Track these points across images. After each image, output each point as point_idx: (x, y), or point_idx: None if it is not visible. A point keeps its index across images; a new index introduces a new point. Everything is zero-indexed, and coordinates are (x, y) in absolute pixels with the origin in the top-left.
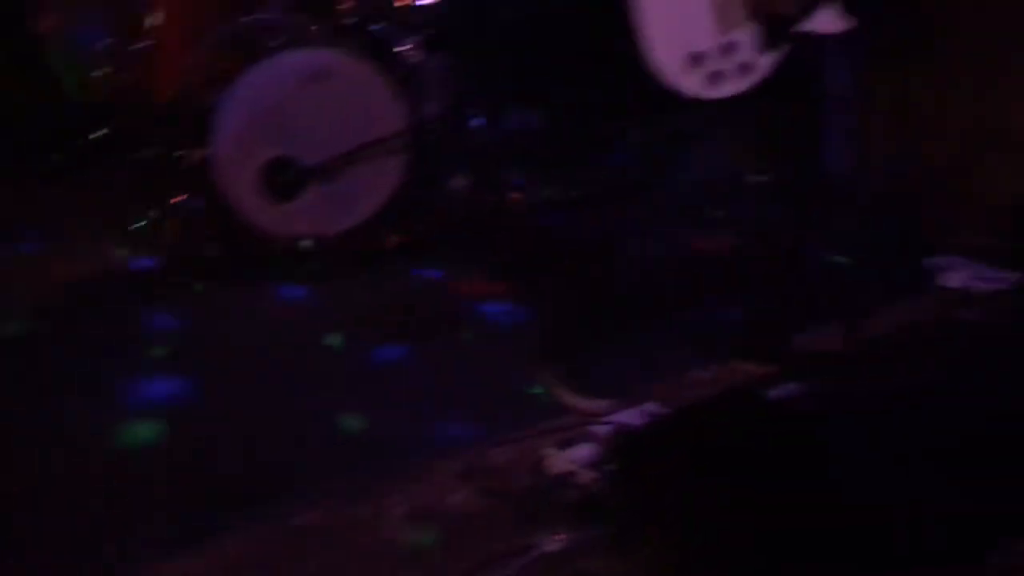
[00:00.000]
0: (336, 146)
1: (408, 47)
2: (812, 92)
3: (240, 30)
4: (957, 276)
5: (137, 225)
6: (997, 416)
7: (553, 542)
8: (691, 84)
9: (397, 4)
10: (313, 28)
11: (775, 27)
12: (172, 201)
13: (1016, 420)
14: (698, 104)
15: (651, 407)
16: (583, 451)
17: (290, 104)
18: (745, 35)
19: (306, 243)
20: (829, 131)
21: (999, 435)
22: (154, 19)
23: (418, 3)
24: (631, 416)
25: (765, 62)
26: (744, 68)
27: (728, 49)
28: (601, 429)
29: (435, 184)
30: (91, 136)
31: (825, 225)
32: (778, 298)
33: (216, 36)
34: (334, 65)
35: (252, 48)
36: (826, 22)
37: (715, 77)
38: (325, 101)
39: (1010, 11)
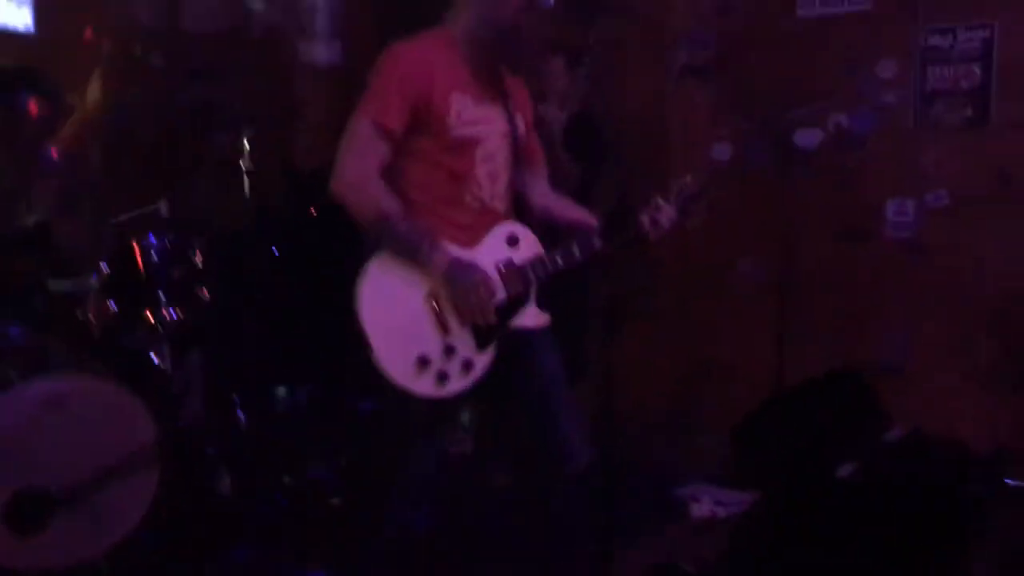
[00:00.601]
0: (83, 470)
1: (160, 354)
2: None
3: None
4: (702, 505)
5: None
6: None
7: None
8: (422, 386)
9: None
10: (53, 349)
11: (487, 327)
12: None
13: None
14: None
15: None
16: None
17: (29, 435)
18: (461, 337)
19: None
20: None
21: None
22: None
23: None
24: None
25: (483, 360)
26: (466, 366)
27: (449, 351)
28: None
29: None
30: None
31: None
32: None
33: None
34: (73, 390)
35: None
36: (531, 317)
37: (442, 377)
38: (67, 426)
39: (706, 273)
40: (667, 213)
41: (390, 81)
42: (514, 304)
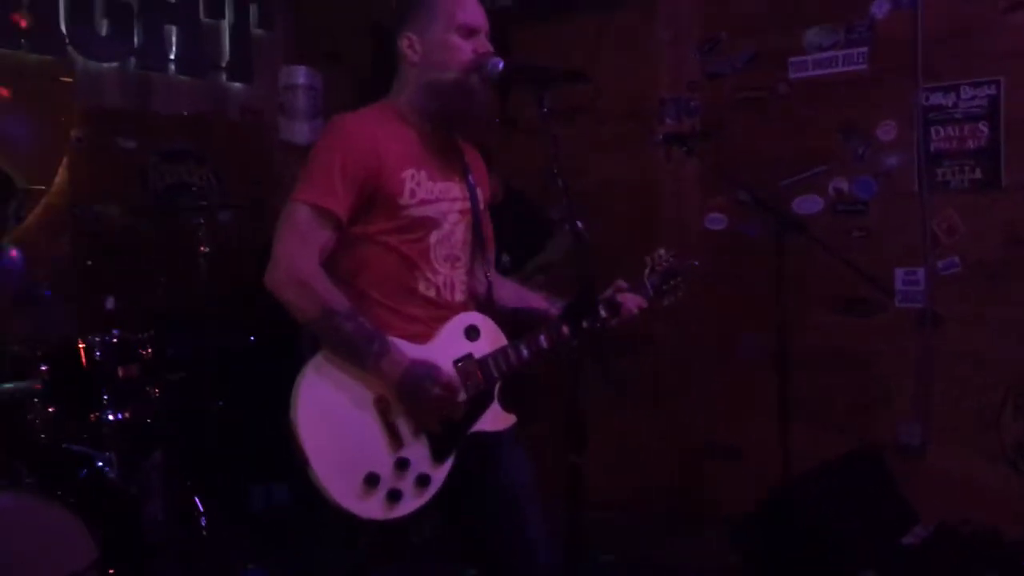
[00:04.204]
0: None
1: (106, 460)
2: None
3: None
4: None
5: None
6: None
7: None
8: (370, 509)
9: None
10: None
11: (446, 434)
12: None
13: None
14: None
15: None
16: None
17: None
18: (416, 449)
19: None
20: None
21: None
22: None
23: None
24: None
25: (441, 472)
26: (422, 481)
27: (402, 465)
28: None
29: None
30: None
31: None
32: None
33: None
34: (4, 509)
35: None
36: (494, 419)
37: (394, 496)
38: (9, 543)
39: (705, 349)
40: (631, 299)
41: (333, 158)
42: (475, 406)
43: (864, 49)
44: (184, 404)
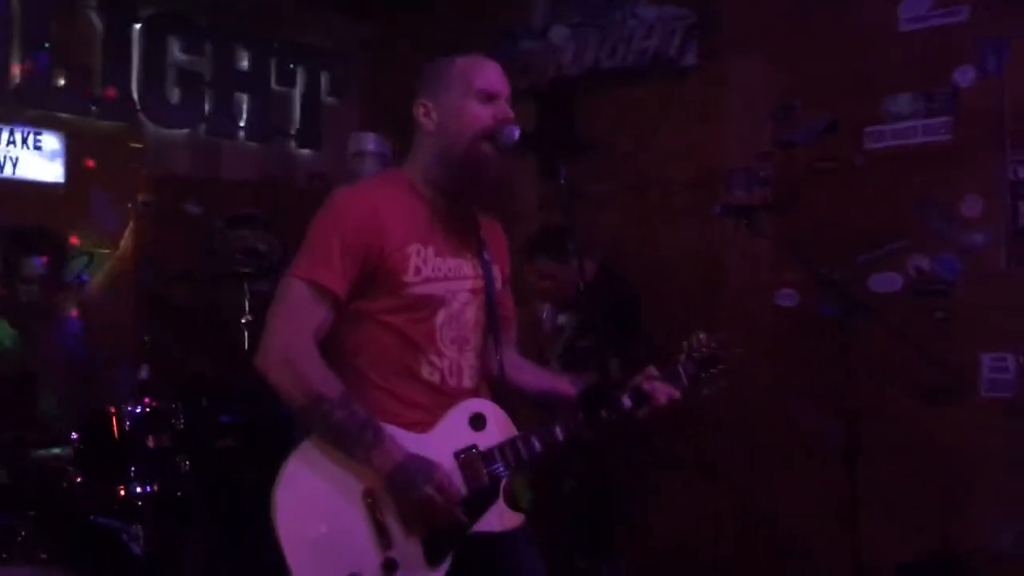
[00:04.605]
0: None
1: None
2: None
3: None
4: None
5: None
6: None
7: None
8: None
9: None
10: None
11: (442, 534)
12: None
13: None
14: None
15: None
16: None
17: None
18: (407, 550)
19: None
20: None
21: None
22: None
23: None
24: None
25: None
26: None
27: (389, 567)
28: None
29: None
30: None
31: None
32: None
33: None
34: None
35: None
36: (499, 519)
37: None
38: None
39: (769, 433)
40: (662, 389)
41: (332, 232)
42: (478, 503)
43: (947, 119)
44: (218, 477)
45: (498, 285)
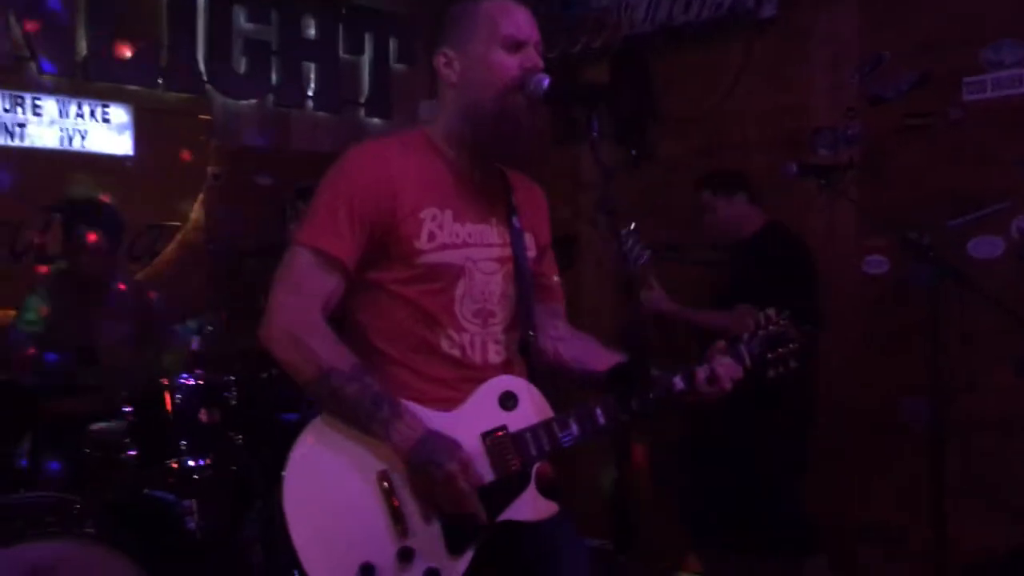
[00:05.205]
0: None
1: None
2: None
3: None
4: None
5: None
6: None
7: None
8: None
9: None
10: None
11: (461, 528)
12: None
13: None
14: None
15: None
16: None
17: None
18: (426, 537)
19: None
20: None
21: None
22: None
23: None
24: None
25: (456, 569)
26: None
27: (405, 556)
28: None
29: None
30: None
31: None
32: None
33: None
34: (63, 559)
35: None
36: (530, 507)
37: None
38: None
39: (859, 414)
40: (727, 368)
41: (340, 196)
42: (507, 488)
43: None
44: (277, 452)
45: (531, 254)
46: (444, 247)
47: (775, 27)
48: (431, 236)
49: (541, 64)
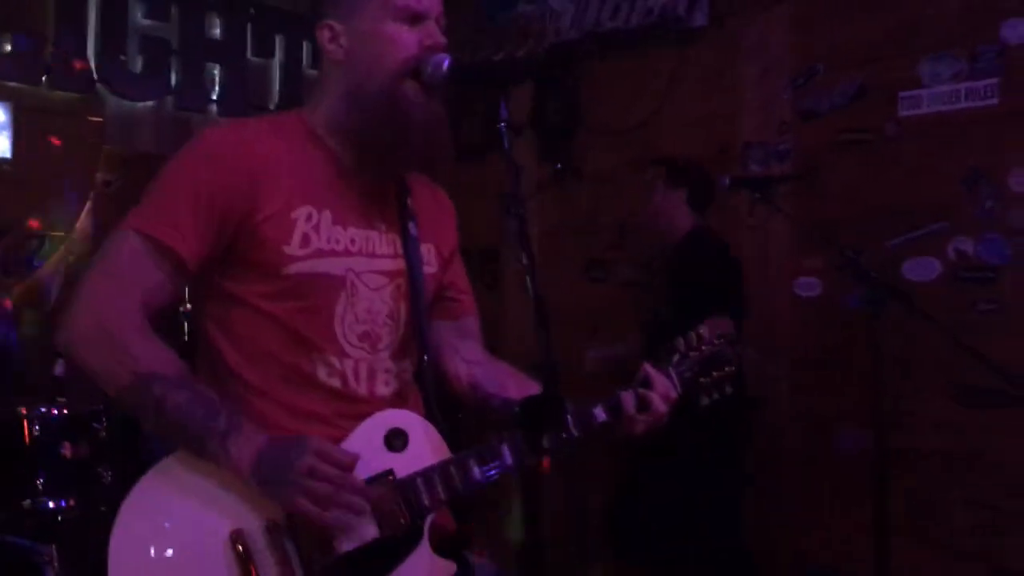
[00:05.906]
0: None
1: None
2: None
3: None
4: None
5: None
6: None
7: None
8: None
9: None
10: None
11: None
12: None
13: None
14: None
15: None
16: None
17: None
18: None
19: None
20: None
21: None
22: None
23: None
24: None
25: None
26: None
27: None
28: None
29: None
30: None
31: None
32: None
33: None
34: None
35: None
36: (423, 568)
37: None
38: None
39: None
40: (660, 386)
41: (185, 179)
42: (392, 549)
43: (993, 80)
44: None
45: (430, 268)
46: (321, 254)
47: (706, 37)
48: (305, 240)
49: (443, 41)
